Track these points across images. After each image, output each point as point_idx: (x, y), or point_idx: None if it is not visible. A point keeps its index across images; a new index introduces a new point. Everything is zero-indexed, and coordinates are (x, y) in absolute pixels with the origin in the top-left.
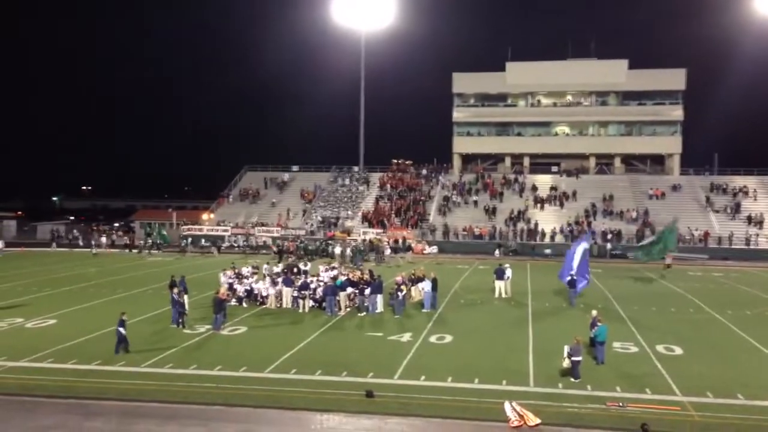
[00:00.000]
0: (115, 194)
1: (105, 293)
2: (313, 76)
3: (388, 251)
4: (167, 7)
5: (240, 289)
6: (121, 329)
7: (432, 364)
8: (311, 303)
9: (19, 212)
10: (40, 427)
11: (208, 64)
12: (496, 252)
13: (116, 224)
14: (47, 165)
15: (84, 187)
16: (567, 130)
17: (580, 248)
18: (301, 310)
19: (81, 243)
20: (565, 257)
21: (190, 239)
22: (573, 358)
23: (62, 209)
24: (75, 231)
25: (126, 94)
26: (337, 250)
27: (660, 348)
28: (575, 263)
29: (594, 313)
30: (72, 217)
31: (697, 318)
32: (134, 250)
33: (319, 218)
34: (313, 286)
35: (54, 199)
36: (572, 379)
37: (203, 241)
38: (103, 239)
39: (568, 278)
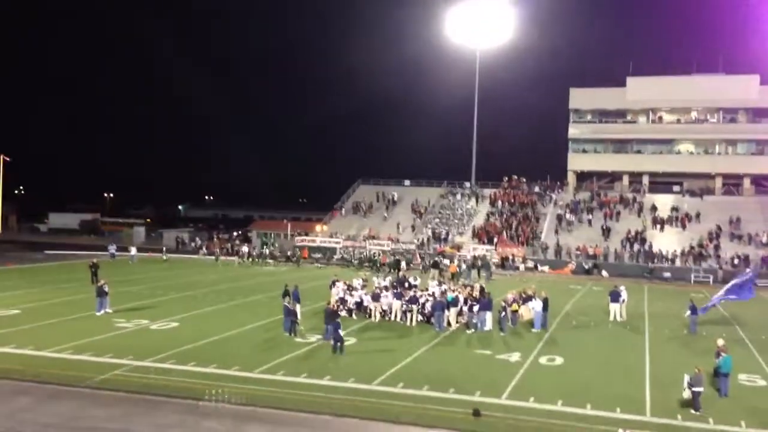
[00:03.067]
0: (235, 204)
1: (223, 299)
2: (427, 92)
3: (493, 268)
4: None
5: (350, 300)
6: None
7: (541, 386)
8: (419, 317)
9: (148, 219)
10: (160, 425)
11: (328, 79)
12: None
13: (234, 233)
14: (176, 175)
15: (207, 197)
16: (691, 148)
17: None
18: (408, 324)
19: (204, 251)
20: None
21: (298, 251)
22: (694, 389)
23: (187, 217)
24: (197, 239)
25: (244, 110)
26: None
27: None
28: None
29: (720, 342)
30: (192, 226)
31: None
32: (250, 259)
33: (430, 233)
34: (422, 300)
35: (179, 207)
36: (693, 411)
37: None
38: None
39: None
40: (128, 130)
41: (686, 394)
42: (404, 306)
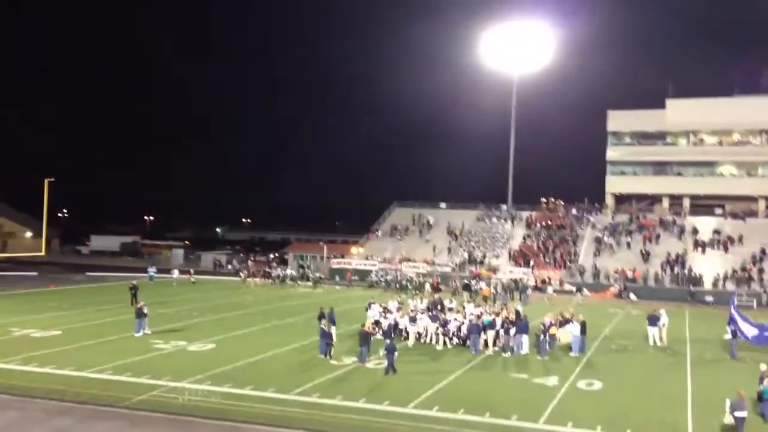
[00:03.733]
0: (271, 227)
1: (259, 321)
2: (464, 115)
3: (529, 291)
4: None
5: (385, 323)
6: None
7: (580, 411)
8: (456, 341)
9: (186, 242)
10: None
11: (366, 103)
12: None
13: (271, 255)
14: (215, 198)
15: (244, 220)
16: (733, 170)
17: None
18: (439, 347)
19: (241, 275)
20: None
21: (318, 274)
22: (736, 414)
23: (224, 240)
24: (234, 261)
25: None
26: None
27: None
28: None
29: (763, 367)
30: (230, 248)
31: None
32: (289, 281)
33: (466, 255)
34: (456, 323)
35: (218, 230)
36: None
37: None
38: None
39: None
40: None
41: (728, 419)
42: (438, 329)
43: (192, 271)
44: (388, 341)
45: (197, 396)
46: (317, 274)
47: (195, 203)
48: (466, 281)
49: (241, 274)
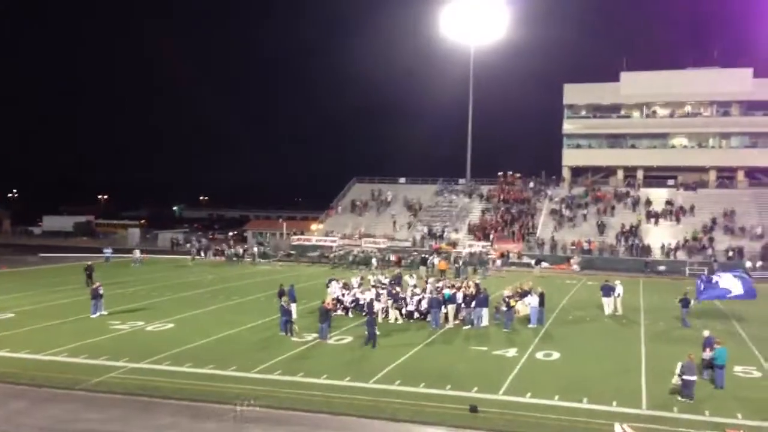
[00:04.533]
0: (230, 204)
1: (220, 299)
2: (422, 88)
3: (495, 263)
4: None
5: (347, 299)
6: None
7: (538, 381)
8: (417, 315)
9: (143, 220)
10: (156, 427)
11: (323, 79)
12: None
13: (230, 233)
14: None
15: (202, 197)
16: (685, 141)
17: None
18: (391, 321)
19: (202, 254)
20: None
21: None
22: (685, 377)
23: (182, 218)
24: (193, 239)
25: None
26: (436, 261)
27: None
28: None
29: (706, 333)
30: (187, 226)
31: None
32: (247, 259)
33: (425, 230)
34: (417, 297)
35: (174, 208)
36: (684, 400)
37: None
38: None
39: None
40: (122, 131)
41: (676, 380)
42: (392, 303)
43: (139, 251)
44: (366, 314)
45: (156, 376)
46: (274, 251)
47: (151, 182)
48: (423, 256)
49: (192, 251)
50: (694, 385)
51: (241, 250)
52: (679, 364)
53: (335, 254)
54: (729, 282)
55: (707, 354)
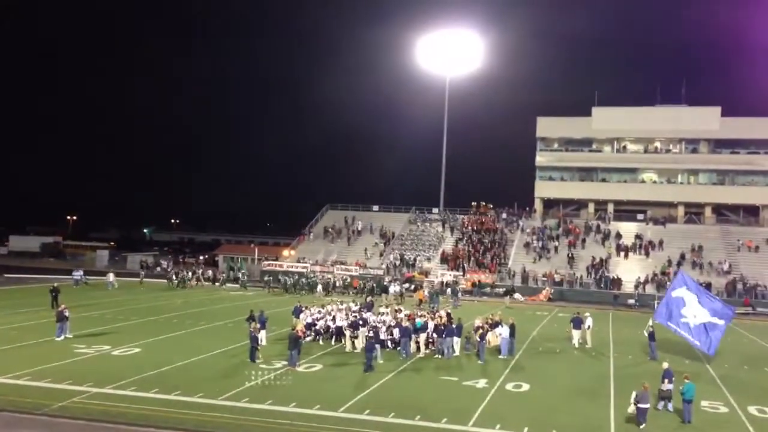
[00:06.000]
0: (201, 228)
1: (188, 324)
2: (397, 117)
3: (459, 294)
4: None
5: (318, 325)
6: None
7: (508, 413)
8: (390, 345)
9: (112, 243)
10: None
11: (300, 106)
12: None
13: (201, 257)
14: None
15: (173, 221)
16: (654, 177)
17: (682, 294)
18: (348, 349)
19: (171, 276)
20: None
21: (246, 276)
22: (640, 405)
23: (152, 241)
24: (163, 262)
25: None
26: (392, 289)
27: (752, 410)
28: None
29: (665, 365)
30: (157, 249)
31: None
32: (216, 284)
33: (398, 258)
34: (386, 326)
35: (145, 231)
36: (638, 426)
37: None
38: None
39: (651, 330)
40: (91, 151)
41: (631, 409)
42: (352, 332)
43: (83, 272)
44: (370, 339)
45: (121, 402)
46: (245, 276)
47: (121, 204)
48: (384, 283)
49: (142, 273)
50: (647, 411)
51: (223, 276)
52: (634, 393)
53: (285, 280)
54: (694, 310)
55: (665, 386)
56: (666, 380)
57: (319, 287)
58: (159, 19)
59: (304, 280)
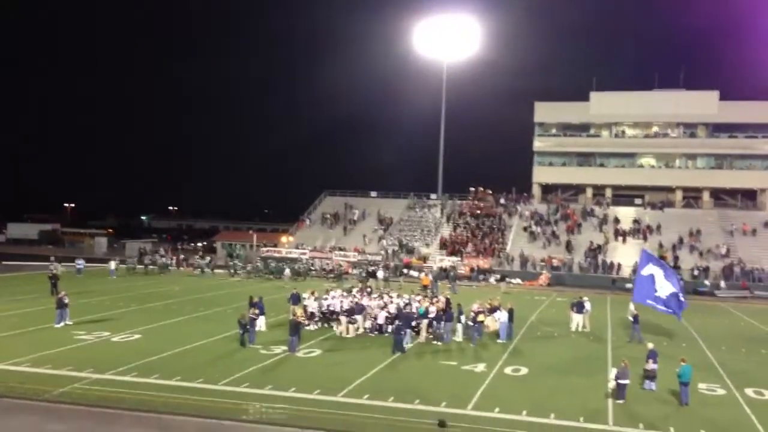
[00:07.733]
0: (199, 215)
1: (188, 311)
2: (395, 103)
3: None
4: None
5: (316, 311)
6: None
7: (507, 396)
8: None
9: (110, 230)
10: None
11: (299, 93)
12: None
13: (199, 244)
14: (139, 186)
15: (171, 208)
16: (652, 161)
17: (651, 270)
18: (339, 332)
19: (170, 263)
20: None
21: (240, 264)
22: (619, 381)
23: (151, 228)
24: (161, 250)
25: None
26: (380, 274)
27: (749, 392)
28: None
29: (650, 345)
30: (155, 236)
31: None
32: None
33: (396, 244)
34: (385, 313)
35: (143, 218)
36: (617, 401)
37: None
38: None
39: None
40: (90, 140)
41: (611, 385)
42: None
43: (53, 258)
44: (397, 323)
45: (121, 387)
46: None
47: (120, 191)
48: (371, 269)
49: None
50: (627, 387)
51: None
52: (614, 370)
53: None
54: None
55: (650, 365)
56: (650, 360)
57: (287, 271)
58: (157, 17)
59: (279, 264)
